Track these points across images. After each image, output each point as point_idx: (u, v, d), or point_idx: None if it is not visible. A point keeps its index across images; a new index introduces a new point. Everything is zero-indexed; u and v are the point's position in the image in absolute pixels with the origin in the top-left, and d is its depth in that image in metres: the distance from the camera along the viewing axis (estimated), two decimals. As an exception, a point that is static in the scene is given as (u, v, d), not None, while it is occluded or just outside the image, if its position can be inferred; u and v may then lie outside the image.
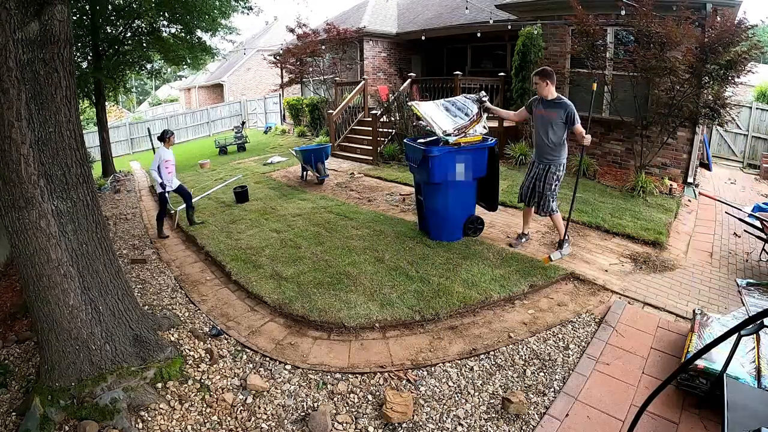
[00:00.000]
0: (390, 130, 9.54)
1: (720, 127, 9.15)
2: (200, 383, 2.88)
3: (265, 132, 17.11)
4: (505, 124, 8.89)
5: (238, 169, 9.68)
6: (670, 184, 6.62)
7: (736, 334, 2.05)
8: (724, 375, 2.28)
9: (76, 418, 2.54)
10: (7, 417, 2.70)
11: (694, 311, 3.17)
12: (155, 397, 2.70)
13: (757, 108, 10.14)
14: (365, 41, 12.41)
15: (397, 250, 4.64)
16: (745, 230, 5.02)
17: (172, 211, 6.17)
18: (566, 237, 4.46)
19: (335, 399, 2.75)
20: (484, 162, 4.70)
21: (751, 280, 3.18)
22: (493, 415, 2.59)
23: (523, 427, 2.51)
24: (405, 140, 5.18)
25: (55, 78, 2.49)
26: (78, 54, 9.55)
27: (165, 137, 5.74)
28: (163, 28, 10.30)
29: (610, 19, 6.78)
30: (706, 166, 8.95)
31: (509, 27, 9.14)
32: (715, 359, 2.51)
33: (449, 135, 4.44)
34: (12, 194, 2.44)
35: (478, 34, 10.37)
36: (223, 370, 3.03)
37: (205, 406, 2.71)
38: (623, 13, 6.41)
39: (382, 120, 9.49)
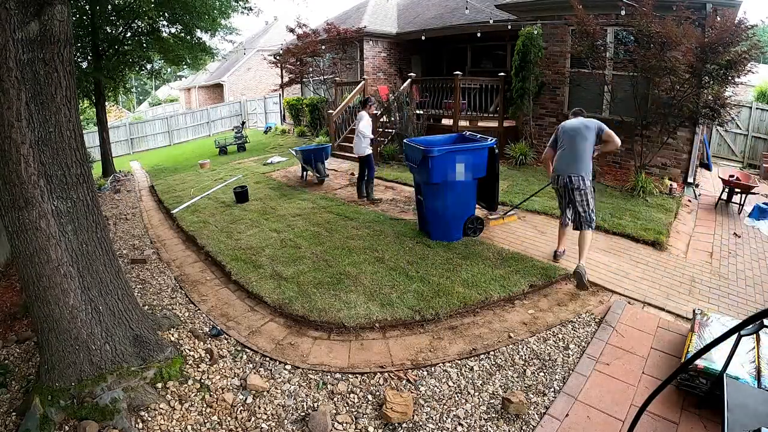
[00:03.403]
0: (390, 130, 9.55)
1: (720, 127, 9.15)
2: (200, 383, 2.88)
3: (265, 132, 17.11)
4: (505, 124, 8.90)
5: (238, 169, 9.68)
6: (670, 184, 6.62)
7: (736, 334, 2.05)
8: (724, 375, 2.29)
9: (76, 418, 2.54)
10: (7, 417, 2.70)
11: (694, 311, 3.18)
12: (155, 397, 2.70)
13: (757, 108, 10.14)
14: (365, 41, 12.41)
15: (397, 250, 4.64)
16: None
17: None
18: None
19: (335, 399, 2.75)
20: (483, 162, 4.70)
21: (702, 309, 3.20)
22: (493, 415, 2.59)
23: (523, 427, 2.51)
24: (405, 140, 5.18)
25: (55, 78, 2.49)
26: (78, 54, 9.55)
27: (367, 104, 6.71)
28: (163, 28, 10.30)
29: (610, 19, 6.79)
30: (706, 166, 8.95)
31: (509, 27, 9.14)
32: (715, 359, 2.51)
33: None
34: (12, 194, 2.44)
35: (478, 34, 10.37)
36: (223, 370, 3.02)
37: (205, 406, 2.71)
38: (623, 13, 6.41)
39: (382, 120, 9.49)
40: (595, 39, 6.62)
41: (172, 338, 3.30)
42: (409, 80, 9.58)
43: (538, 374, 2.91)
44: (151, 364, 2.86)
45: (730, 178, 6.32)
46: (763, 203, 6.19)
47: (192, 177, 9.41)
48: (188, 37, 10.31)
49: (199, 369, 3.01)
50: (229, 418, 2.62)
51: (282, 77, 14.87)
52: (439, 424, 2.54)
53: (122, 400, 2.61)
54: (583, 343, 3.20)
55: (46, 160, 2.50)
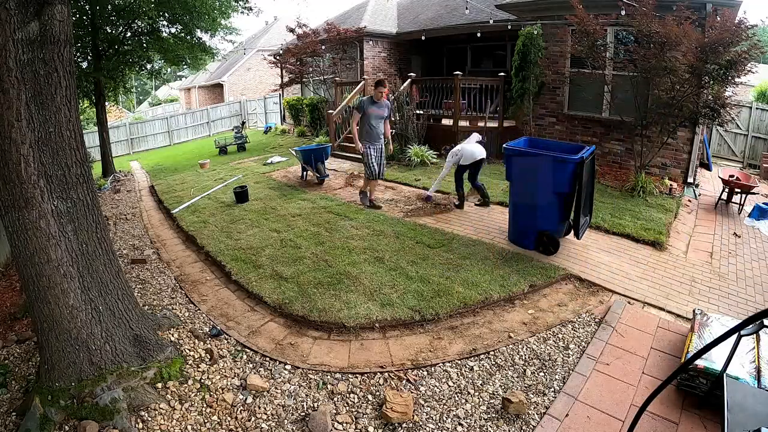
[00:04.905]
0: (390, 130, 9.53)
1: (720, 127, 9.16)
2: (200, 383, 2.88)
3: (265, 132, 17.11)
4: (505, 124, 8.91)
5: (238, 169, 9.68)
6: (670, 184, 6.62)
7: (736, 334, 2.05)
8: (724, 375, 2.29)
9: (76, 418, 2.54)
10: (7, 417, 2.70)
11: (694, 311, 3.18)
12: (155, 397, 2.70)
13: (757, 108, 10.14)
14: (365, 41, 12.41)
15: (397, 250, 4.64)
16: None
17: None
18: None
19: (335, 399, 2.75)
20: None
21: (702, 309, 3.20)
22: (493, 415, 2.59)
23: (523, 427, 2.51)
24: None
25: (55, 78, 2.49)
26: (78, 54, 9.56)
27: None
28: (163, 29, 10.31)
29: (610, 19, 6.79)
30: (706, 166, 8.95)
31: (509, 27, 9.14)
32: (715, 359, 2.51)
33: None
34: (12, 194, 2.44)
35: (478, 34, 10.37)
36: (223, 370, 3.02)
37: (205, 406, 2.71)
38: (623, 13, 6.41)
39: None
40: (595, 39, 6.62)
41: (172, 338, 3.30)
42: (409, 80, 9.58)
43: (538, 374, 2.91)
44: (151, 364, 2.86)
45: (730, 178, 6.33)
46: (763, 203, 6.20)
47: (192, 177, 9.40)
48: (188, 37, 10.32)
49: (199, 369, 3.01)
50: (229, 418, 2.62)
51: (282, 77, 14.88)
52: (439, 424, 2.54)
53: (122, 400, 2.60)
54: (583, 343, 3.20)
55: (46, 160, 2.50)
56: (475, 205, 6.15)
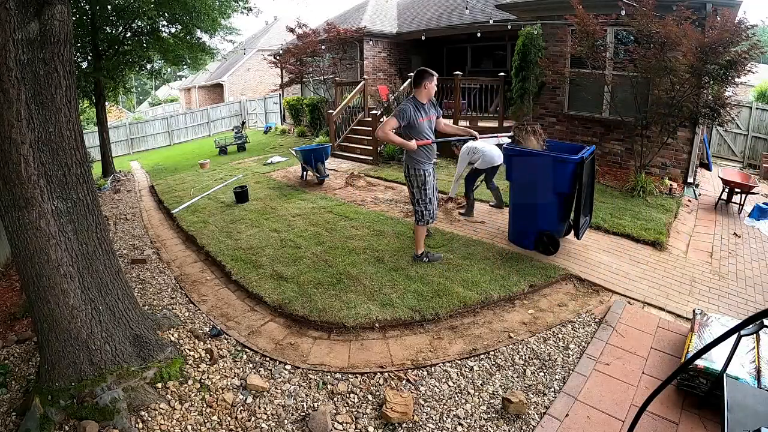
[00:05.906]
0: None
1: (720, 127, 9.16)
2: (200, 383, 2.88)
3: (265, 132, 17.11)
4: (505, 124, 8.90)
5: (238, 169, 9.68)
6: (670, 184, 6.62)
7: (736, 334, 2.05)
8: (724, 375, 2.28)
9: (76, 418, 2.54)
10: (7, 417, 2.70)
11: (694, 311, 3.17)
12: (155, 397, 2.70)
13: (757, 108, 10.14)
14: (365, 41, 12.41)
15: (397, 250, 4.64)
16: None
17: None
18: None
19: (335, 399, 2.75)
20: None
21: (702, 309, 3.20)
22: (493, 415, 2.59)
23: (523, 427, 2.51)
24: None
25: (55, 78, 2.49)
26: (78, 54, 9.56)
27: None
28: (163, 29, 10.33)
29: (610, 19, 6.78)
30: (706, 166, 8.95)
31: (509, 27, 9.15)
32: (715, 359, 2.51)
33: None
34: (12, 194, 2.44)
35: (478, 34, 10.38)
36: (223, 370, 3.02)
37: (205, 406, 2.71)
38: (623, 13, 6.41)
39: (382, 120, 9.49)
40: (595, 39, 6.61)
41: (172, 338, 3.30)
42: (409, 80, 9.58)
43: (538, 374, 2.91)
44: (151, 364, 2.86)
45: (728, 178, 6.36)
46: (763, 203, 6.20)
47: (192, 177, 9.40)
48: (188, 38, 10.33)
49: (199, 369, 3.01)
50: (229, 418, 2.62)
51: (282, 77, 14.88)
52: (439, 424, 2.54)
53: (122, 400, 2.60)
54: (583, 343, 3.20)
55: (46, 160, 2.50)
56: (490, 205, 6.03)
